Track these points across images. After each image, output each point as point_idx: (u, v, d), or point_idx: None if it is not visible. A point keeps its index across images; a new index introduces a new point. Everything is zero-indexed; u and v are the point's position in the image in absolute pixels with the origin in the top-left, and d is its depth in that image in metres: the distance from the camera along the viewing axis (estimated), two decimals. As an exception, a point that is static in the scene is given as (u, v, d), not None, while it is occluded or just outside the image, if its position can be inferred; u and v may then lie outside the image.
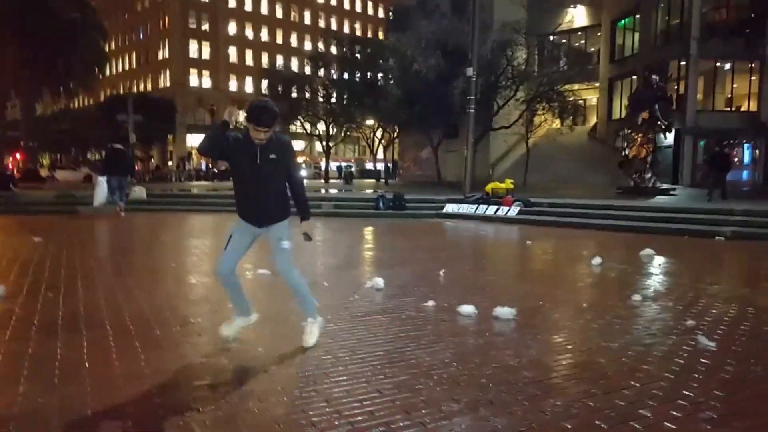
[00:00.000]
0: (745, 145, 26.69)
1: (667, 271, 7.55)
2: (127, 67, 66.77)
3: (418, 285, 6.16)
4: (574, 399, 3.13)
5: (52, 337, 4.09)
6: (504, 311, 4.85)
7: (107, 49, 63.37)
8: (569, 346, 4.16)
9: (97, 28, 31.36)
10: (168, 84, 59.21)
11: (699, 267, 8.03)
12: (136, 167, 37.17)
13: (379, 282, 5.93)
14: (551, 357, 3.88)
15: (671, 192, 18.88)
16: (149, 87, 60.96)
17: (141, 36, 63.50)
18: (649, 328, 4.62)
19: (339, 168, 46.53)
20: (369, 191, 21.59)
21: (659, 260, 8.15)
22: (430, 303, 5.23)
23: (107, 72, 65.80)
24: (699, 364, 3.74)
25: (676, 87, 26.13)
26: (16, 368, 3.47)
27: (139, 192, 16.25)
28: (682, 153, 25.96)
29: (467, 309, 4.95)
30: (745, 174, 26.12)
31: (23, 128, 31.28)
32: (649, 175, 18.86)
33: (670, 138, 24.40)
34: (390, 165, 40.72)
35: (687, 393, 3.24)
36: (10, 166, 37.34)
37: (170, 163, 52.31)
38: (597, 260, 7.67)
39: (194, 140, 58.05)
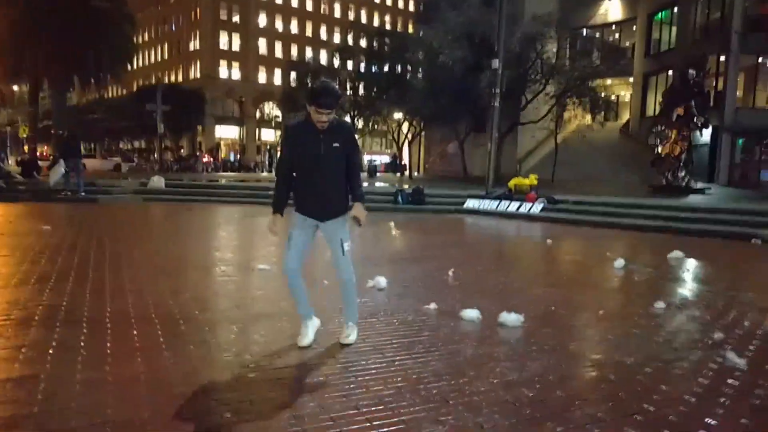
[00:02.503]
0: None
1: (695, 276, 7.03)
2: (159, 58, 67.61)
3: (423, 285, 5.80)
4: (577, 425, 2.75)
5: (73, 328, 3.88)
6: (510, 317, 4.46)
7: (140, 40, 64.54)
8: (579, 360, 3.76)
9: (126, 18, 31.62)
10: (198, 75, 59.73)
11: (732, 272, 7.47)
12: (165, 157, 37.75)
13: (381, 281, 5.60)
14: (557, 372, 3.49)
15: (706, 191, 18.04)
16: (180, 78, 61.60)
17: (173, 27, 64.17)
18: (672, 341, 4.18)
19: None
20: (387, 185, 21.23)
21: (688, 264, 7.61)
22: (432, 306, 4.87)
23: (139, 63, 67.08)
24: (725, 385, 3.30)
25: (714, 83, 25.05)
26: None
27: (157, 181, 16.24)
28: (719, 151, 24.89)
29: (471, 314, 4.58)
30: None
31: (54, 118, 31.78)
32: (683, 173, 18.04)
33: (706, 135, 23.42)
34: (397, 159, 40.52)
35: (709, 421, 2.82)
36: (44, 155, 38.14)
37: (198, 153, 52.80)
38: (620, 262, 7.19)
39: (223, 131, 58.64)
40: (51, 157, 15.71)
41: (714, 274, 7.31)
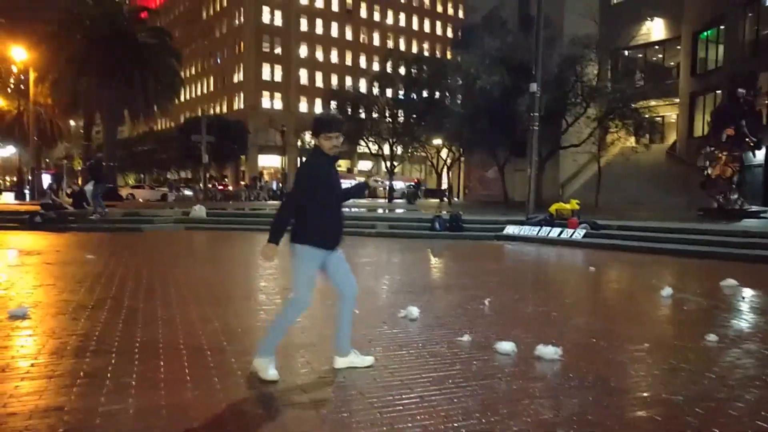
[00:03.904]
0: None
1: (751, 305, 6.59)
2: (205, 90, 70.15)
3: (457, 315, 5.61)
4: (617, 472, 2.52)
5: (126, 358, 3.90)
6: (548, 350, 4.24)
7: (187, 74, 67.15)
8: (621, 398, 3.50)
9: (173, 53, 32.95)
10: (242, 106, 61.57)
11: (792, 302, 6.97)
12: (210, 186, 38.75)
13: (414, 311, 5.44)
14: (596, 410, 3.25)
15: (761, 215, 17.16)
16: (224, 109, 63.66)
17: (218, 60, 66.56)
18: (725, 378, 3.87)
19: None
20: (425, 212, 21.08)
21: (743, 292, 7.15)
22: (466, 338, 4.68)
23: (187, 96, 69.71)
24: (786, 429, 3.01)
25: (767, 102, 24.07)
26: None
27: (199, 210, 16.59)
28: (774, 172, 23.76)
29: (506, 346, 4.37)
30: None
31: (105, 150, 33.15)
32: (736, 196, 17.27)
33: (760, 156, 22.41)
34: (447, 187, 40.39)
35: (768, 471, 2.55)
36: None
37: (242, 182, 54.00)
38: (667, 291, 6.81)
39: (265, 160, 59.93)
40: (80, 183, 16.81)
41: (772, 303, 6.84)
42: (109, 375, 3.66)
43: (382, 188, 39.02)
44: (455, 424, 3.01)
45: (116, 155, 34.81)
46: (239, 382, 3.62)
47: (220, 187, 42.02)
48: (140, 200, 35.78)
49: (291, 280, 3.77)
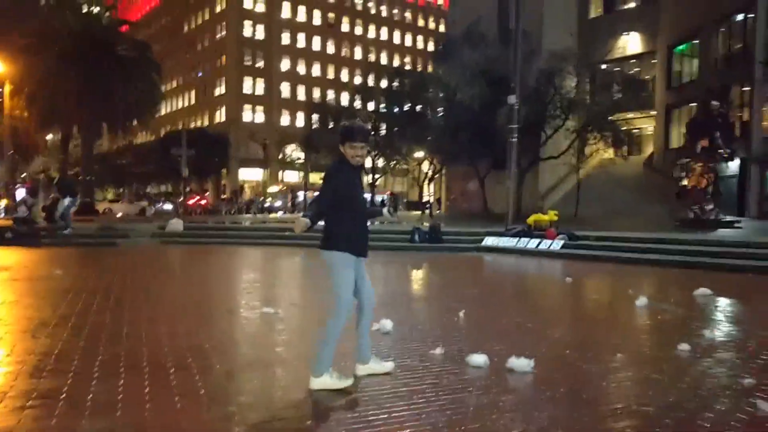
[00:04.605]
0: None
1: (724, 314, 6.62)
2: (186, 103, 69.69)
3: (432, 328, 5.54)
4: (583, 488, 2.46)
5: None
6: (520, 362, 4.18)
7: (168, 87, 66.69)
8: (592, 410, 3.44)
9: (153, 66, 32.67)
10: (223, 119, 61.22)
11: (764, 310, 7.02)
12: (189, 200, 38.29)
13: (387, 325, 5.35)
14: (567, 424, 3.19)
15: (735, 224, 17.41)
16: (206, 122, 63.24)
17: (200, 74, 66.28)
18: (698, 387, 3.84)
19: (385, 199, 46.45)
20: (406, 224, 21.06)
21: (716, 301, 7.19)
22: (438, 350, 4.60)
23: (168, 109, 69.22)
24: (756, 439, 2.98)
25: (740, 114, 24.56)
26: None
27: (175, 224, 16.36)
28: (747, 183, 24.18)
29: (478, 359, 4.30)
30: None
31: (82, 163, 32.68)
32: (711, 206, 17.50)
33: (734, 167, 22.82)
34: (433, 199, 40.45)
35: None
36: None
37: (222, 196, 53.56)
38: (642, 301, 6.82)
39: (247, 174, 59.57)
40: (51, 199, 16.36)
41: (744, 312, 6.89)
42: (63, 396, 3.51)
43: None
44: (421, 441, 2.92)
45: (94, 169, 34.35)
46: (201, 402, 3.49)
47: (191, 201, 39.96)
48: (119, 215, 35.23)
49: (330, 287, 3.72)
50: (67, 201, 15.50)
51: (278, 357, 4.48)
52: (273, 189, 55.92)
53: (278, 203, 46.92)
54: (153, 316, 5.97)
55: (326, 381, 3.63)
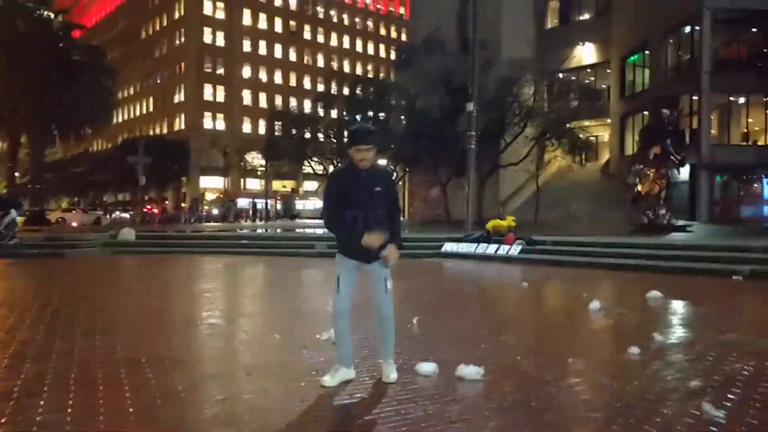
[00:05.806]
0: (765, 180, 25.64)
1: (675, 316, 6.69)
2: (144, 110, 68.11)
3: (383, 336, 5.39)
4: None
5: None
6: (469, 370, 4.07)
7: (125, 94, 65.13)
8: (540, 418, 3.36)
9: (107, 72, 31.79)
10: (183, 127, 60.05)
11: (712, 311, 7.13)
12: (147, 209, 37.13)
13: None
14: (513, 434, 3.09)
15: (687, 228, 17.93)
16: (165, 130, 61.91)
17: (158, 80, 64.91)
18: (647, 392, 3.80)
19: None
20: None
21: (667, 304, 7.28)
22: (387, 360, 4.46)
23: (125, 116, 67.58)
24: (700, 444, 2.94)
25: (689, 122, 25.40)
26: None
27: (127, 234, 15.81)
28: (698, 188, 24.99)
29: (427, 368, 4.19)
30: (766, 209, 25.00)
31: (31, 172, 31.48)
32: (664, 211, 17.97)
33: (685, 173, 23.53)
34: None
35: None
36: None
37: (183, 204, 52.36)
38: (595, 305, 6.83)
39: (208, 182, 58.48)
40: None
41: (693, 313, 6.98)
42: (-26, 418, 3.22)
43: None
44: (360, 457, 2.77)
45: (44, 177, 33.13)
46: (129, 420, 3.26)
47: (146, 209, 38.34)
48: (72, 224, 33.94)
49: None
50: (13, 213, 14.81)
51: (228, 369, 4.26)
52: (210, 197, 54.89)
53: (215, 212, 45.86)
54: (90, 329, 5.64)
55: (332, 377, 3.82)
